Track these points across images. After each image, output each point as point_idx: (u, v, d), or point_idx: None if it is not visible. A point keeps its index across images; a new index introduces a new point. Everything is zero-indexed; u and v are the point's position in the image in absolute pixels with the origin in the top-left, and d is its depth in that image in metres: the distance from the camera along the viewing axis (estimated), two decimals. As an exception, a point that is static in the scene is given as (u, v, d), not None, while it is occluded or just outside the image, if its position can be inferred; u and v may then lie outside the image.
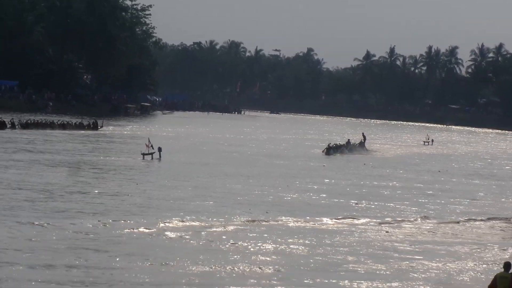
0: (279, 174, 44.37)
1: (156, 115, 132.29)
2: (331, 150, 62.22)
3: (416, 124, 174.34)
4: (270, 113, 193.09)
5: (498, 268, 19.11)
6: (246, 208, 29.52)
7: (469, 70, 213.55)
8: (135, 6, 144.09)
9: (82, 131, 70.05)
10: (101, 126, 75.09)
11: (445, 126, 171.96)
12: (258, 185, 37.99)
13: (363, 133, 73.78)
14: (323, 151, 62.03)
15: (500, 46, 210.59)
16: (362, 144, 69.99)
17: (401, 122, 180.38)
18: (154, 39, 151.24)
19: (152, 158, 47.78)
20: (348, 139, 69.50)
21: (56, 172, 37.67)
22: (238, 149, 63.46)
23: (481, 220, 31.15)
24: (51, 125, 69.52)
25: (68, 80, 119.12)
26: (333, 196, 35.39)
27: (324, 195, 35.78)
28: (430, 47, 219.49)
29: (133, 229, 24.05)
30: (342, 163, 56.36)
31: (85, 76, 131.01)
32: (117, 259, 20.10)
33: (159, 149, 48.38)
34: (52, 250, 20.44)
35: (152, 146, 48.21)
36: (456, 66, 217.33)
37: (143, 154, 47.89)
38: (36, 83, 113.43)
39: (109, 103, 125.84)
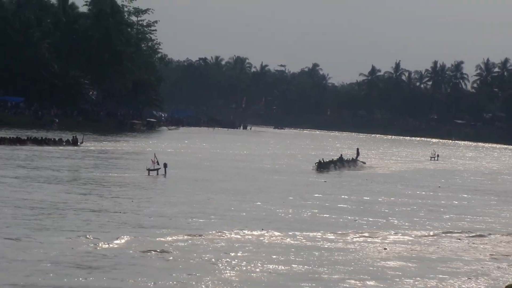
0: (279, 190, 44.31)
1: (162, 131, 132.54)
2: (322, 166, 60.47)
3: (422, 139, 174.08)
4: (274, 128, 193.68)
5: (503, 282, 19.02)
6: (243, 224, 29.52)
7: (475, 85, 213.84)
8: (140, 22, 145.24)
9: (61, 147, 66.71)
10: (81, 142, 71.31)
11: (450, 141, 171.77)
12: (256, 201, 37.90)
13: (357, 149, 72.76)
14: (313, 167, 60.43)
15: (506, 61, 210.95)
16: (355, 159, 68.40)
17: (407, 137, 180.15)
18: (159, 55, 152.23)
19: (157, 174, 47.88)
20: (341, 154, 67.91)
21: (44, 189, 37.52)
22: (241, 164, 63.63)
23: (483, 235, 30.91)
24: (24, 141, 65.52)
25: (74, 96, 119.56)
26: (332, 212, 35.34)
27: (323, 211, 35.68)
28: (435, 62, 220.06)
29: (119, 242, 24.07)
30: (344, 178, 56.27)
31: (90, 92, 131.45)
32: (99, 276, 20.00)
33: (165, 165, 48.44)
34: (32, 267, 20.42)
35: (158, 162, 48.31)
36: (461, 81, 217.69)
37: (149, 170, 47.97)
38: (42, 98, 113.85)
39: (115, 118, 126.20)
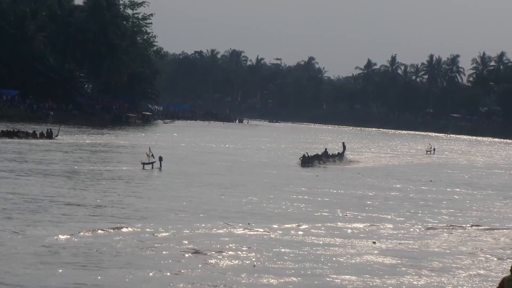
0: (270, 184, 44.32)
1: (157, 124, 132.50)
2: (307, 160, 59.71)
3: (417, 133, 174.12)
4: (269, 121, 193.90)
5: (498, 276, 18.96)
6: (230, 219, 29.35)
7: (471, 78, 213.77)
8: (136, 15, 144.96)
9: (35, 140, 64.42)
10: (57, 135, 69.59)
11: (446, 135, 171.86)
12: (245, 195, 37.86)
13: (343, 143, 72.40)
14: (298, 162, 59.68)
15: (502, 54, 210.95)
16: (341, 154, 67.56)
17: (403, 131, 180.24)
18: (155, 48, 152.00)
19: (152, 168, 47.80)
20: (326, 149, 67.40)
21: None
22: (234, 158, 63.77)
23: (475, 229, 30.91)
24: None
25: (69, 89, 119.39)
26: (322, 207, 35.31)
27: (313, 205, 35.65)
28: (431, 56, 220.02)
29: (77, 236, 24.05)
30: (336, 172, 56.26)
31: (86, 85, 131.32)
32: (66, 268, 20.01)
33: (160, 159, 48.34)
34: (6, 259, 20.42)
35: (152, 155, 48.17)
36: (457, 74, 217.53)
37: (143, 164, 47.86)
38: (38, 92, 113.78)
39: (110, 112, 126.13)
